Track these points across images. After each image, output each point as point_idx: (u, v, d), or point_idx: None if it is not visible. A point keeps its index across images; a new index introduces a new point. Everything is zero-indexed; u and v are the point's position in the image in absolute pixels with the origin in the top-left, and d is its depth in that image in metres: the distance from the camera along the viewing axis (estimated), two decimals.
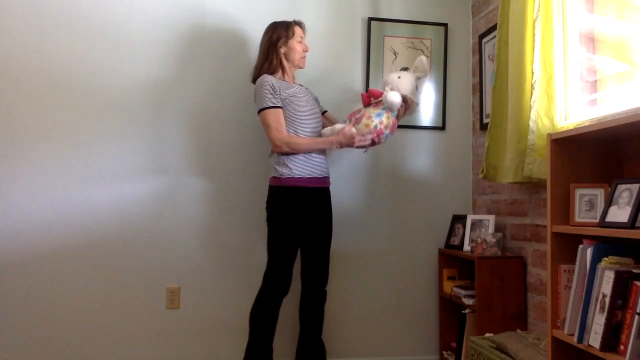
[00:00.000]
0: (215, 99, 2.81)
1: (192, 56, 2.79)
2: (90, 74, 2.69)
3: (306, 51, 2.58)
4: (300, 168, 2.43)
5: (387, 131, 2.47)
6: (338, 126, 2.50)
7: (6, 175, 2.59)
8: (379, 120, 2.44)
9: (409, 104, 2.56)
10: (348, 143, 2.42)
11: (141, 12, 2.75)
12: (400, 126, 2.92)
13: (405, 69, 2.69)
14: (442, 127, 3.03)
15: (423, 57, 2.56)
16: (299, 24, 2.57)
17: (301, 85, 2.61)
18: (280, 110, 2.42)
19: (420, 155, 3.02)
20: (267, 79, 2.43)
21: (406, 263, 2.97)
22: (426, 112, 3.02)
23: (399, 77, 2.54)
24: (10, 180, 2.59)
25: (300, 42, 2.54)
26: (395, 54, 2.97)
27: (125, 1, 2.73)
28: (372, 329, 2.91)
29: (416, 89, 2.61)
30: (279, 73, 2.53)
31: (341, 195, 2.88)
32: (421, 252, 2.98)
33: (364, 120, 2.44)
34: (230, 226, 2.80)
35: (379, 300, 2.93)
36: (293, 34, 2.51)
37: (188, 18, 2.79)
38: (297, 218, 2.43)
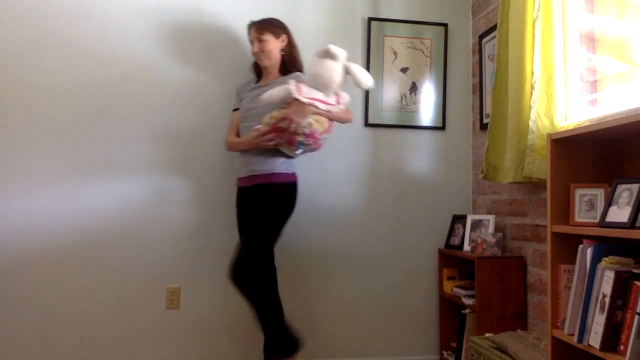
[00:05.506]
0: (215, 98, 2.80)
1: (191, 56, 2.79)
2: (89, 74, 2.68)
3: (257, 52, 2.50)
4: (237, 168, 2.61)
5: (286, 124, 2.30)
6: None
7: (4, 175, 2.59)
8: (269, 115, 2.38)
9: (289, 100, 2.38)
10: (252, 142, 2.43)
11: (140, 11, 2.74)
12: (400, 126, 2.95)
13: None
14: (442, 127, 3.03)
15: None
16: (253, 23, 2.53)
17: (275, 80, 2.52)
18: (237, 112, 2.64)
19: (420, 155, 3.02)
20: (240, 83, 2.67)
21: (406, 263, 2.97)
22: (426, 112, 3.02)
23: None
24: (8, 180, 2.59)
25: (252, 44, 2.52)
26: (395, 54, 2.97)
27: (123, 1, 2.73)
28: (372, 329, 2.91)
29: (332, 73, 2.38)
30: (259, 74, 2.63)
31: (341, 196, 2.88)
32: (421, 252, 2.98)
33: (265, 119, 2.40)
34: (231, 226, 2.78)
35: (379, 300, 2.93)
36: (249, 36, 2.56)
37: (186, 16, 2.78)
38: (237, 214, 2.60)
